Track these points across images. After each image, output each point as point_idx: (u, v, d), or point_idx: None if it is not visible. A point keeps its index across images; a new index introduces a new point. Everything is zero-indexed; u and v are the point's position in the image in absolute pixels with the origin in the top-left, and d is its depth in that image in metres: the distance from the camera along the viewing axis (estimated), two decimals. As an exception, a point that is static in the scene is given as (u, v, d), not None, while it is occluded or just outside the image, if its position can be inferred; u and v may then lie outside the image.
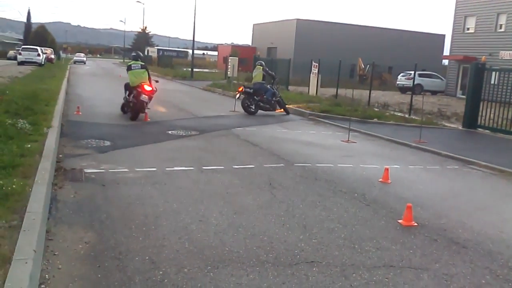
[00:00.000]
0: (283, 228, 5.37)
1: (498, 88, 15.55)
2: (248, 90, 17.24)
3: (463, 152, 11.11)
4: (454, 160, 10.52)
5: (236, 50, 62.57)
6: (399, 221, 5.88)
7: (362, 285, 4.11)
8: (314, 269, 4.36)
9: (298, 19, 58.13)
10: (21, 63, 41.74)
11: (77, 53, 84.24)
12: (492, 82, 15.99)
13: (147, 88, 13.34)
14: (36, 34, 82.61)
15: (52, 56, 56.80)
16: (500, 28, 34.86)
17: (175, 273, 4.09)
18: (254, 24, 71.87)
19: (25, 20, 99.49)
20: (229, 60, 32.30)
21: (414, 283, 4.23)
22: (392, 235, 5.41)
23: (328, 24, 58.93)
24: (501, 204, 7.23)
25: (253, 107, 17.11)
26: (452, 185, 8.26)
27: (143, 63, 14.02)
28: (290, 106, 18.76)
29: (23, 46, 51.50)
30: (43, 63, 43.84)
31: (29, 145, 7.49)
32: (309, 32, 55.36)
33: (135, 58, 14.13)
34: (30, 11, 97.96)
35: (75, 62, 68.39)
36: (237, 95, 17.80)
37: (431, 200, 7.06)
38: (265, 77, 17.77)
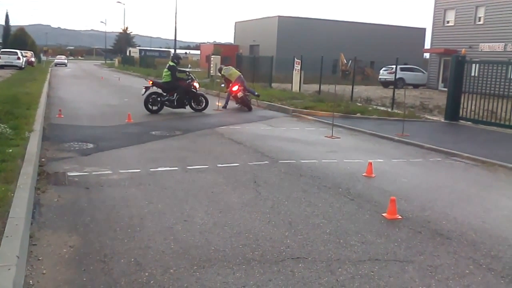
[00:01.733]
0: (268, 225, 5.38)
1: (478, 80, 15.73)
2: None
3: (446, 144, 11.23)
4: (437, 152, 10.62)
5: (219, 48, 62.42)
6: (384, 214, 5.93)
7: (348, 280, 4.13)
8: (300, 265, 4.38)
9: (279, 16, 58.23)
10: (1, 67, 41.15)
11: (58, 56, 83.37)
12: (473, 74, 16.16)
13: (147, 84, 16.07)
14: (15, 37, 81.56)
15: (33, 59, 56.03)
16: (479, 20, 35.28)
17: (161, 274, 4.08)
18: (236, 22, 71.85)
19: (3, 23, 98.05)
20: (212, 58, 32.20)
21: (399, 276, 4.27)
22: (377, 229, 5.45)
23: (309, 20, 59.10)
24: (484, 195, 7.32)
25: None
26: (435, 177, 8.34)
27: (171, 64, 16.07)
28: (274, 103, 18.95)
29: (2, 50, 50.70)
30: (23, 66, 43.31)
31: (10, 150, 7.40)
32: (291, 29, 55.45)
33: (171, 59, 16.57)
34: (8, 13, 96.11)
35: (56, 64, 67.71)
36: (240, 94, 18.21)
37: (415, 192, 7.12)
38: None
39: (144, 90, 15.78)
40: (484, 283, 4.21)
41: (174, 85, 15.84)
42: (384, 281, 4.13)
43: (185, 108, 16.11)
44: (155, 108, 15.57)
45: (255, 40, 61.08)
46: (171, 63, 16.12)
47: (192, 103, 16.33)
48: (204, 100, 16.48)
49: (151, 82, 16.00)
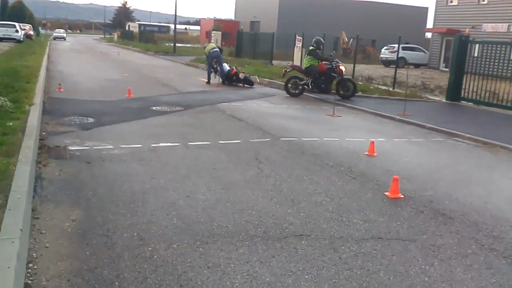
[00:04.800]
0: (271, 203, 5.38)
1: (481, 60, 15.61)
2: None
3: (447, 124, 11.19)
4: (438, 132, 10.60)
5: (219, 24, 61.93)
6: (386, 193, 5.92)
7: (351, 257, 4.14)
8: (303, 242, 4.38)
9: (281, -8, 57.50)
10: (-1, 39, 40.78)
11: (57, 29, 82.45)
12: (475, 54, 16.04)
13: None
14: (13, 10, 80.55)
15: (31, 32, 55.47)
16: (483, 0, 34.88)
17: (165, 249, 4.08)
18: (237, -2, 71.00)
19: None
20: (212, 34, 31.97)
21: (402, 255, 4.27)
22: (379, 208, 5.44)
23: (311, -3, 58.39)
24: (485, 175, 7.32)
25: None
26: (437, 157, 8.33)
27: (310, 49, 15.87)
28: (275, 81, 18.80)
29: (0, 22, 50.22)
30: (22, 39, 42.89)
31: (11, 123, 7.35)
32: (292, 5, 54.86)
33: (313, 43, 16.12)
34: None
35: (54, 38, 67.14)
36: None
37: (417, 172, 7.11)
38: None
39: (284, 73, 16.51)
40: (486, 263, 4.22)
41: (312, 68, 15.70)
42: (387, 260, 4.14)
43: (328, 93, 15.47)
44: (296, 91, 15.78)
45: (255, 16, 60.48)
46: (311, 47, 15.89)
47: (339, 88, 15.59)
48: (352, 86, 15.68)
49: (290, 66, 16.79)
